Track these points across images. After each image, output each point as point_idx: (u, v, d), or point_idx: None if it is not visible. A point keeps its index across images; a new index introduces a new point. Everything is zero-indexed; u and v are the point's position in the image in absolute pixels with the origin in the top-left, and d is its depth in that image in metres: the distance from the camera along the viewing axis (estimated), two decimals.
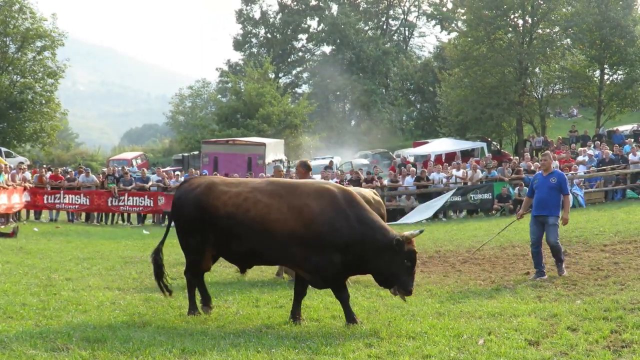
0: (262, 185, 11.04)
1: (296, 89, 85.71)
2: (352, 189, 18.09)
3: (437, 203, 32.38)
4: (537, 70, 54.99)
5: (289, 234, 10.55)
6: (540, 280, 14.53)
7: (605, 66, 52.56)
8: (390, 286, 10.78)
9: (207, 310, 11.69)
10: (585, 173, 33.49)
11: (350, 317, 10.82)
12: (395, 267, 10.58)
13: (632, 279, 13.91)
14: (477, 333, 10.01)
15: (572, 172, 33.24)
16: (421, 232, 11.07)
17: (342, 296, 10.92)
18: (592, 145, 39.00)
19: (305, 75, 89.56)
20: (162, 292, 11.90)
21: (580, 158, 35.75)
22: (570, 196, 28.80)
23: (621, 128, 49.98)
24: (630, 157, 33.36)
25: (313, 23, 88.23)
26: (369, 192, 17.01)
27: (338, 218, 10.58)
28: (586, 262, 16.41)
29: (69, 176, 36.38)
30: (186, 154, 57.09)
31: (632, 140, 40.86)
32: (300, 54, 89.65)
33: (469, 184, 33.40)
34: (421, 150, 50.56)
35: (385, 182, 34.93)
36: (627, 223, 22.48)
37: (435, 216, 32.17)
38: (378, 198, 17.11)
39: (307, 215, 10.56)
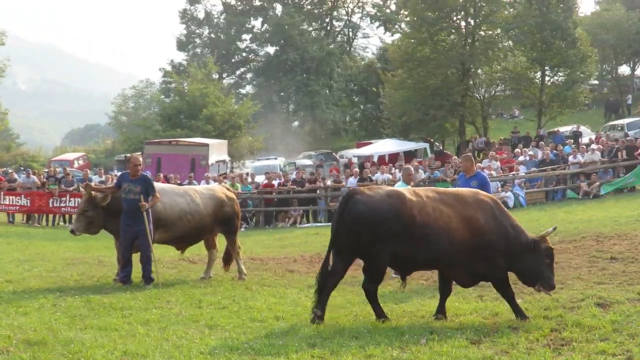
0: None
1: (240, 89, 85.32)
2: (201, 187, 18.17)
3: None
4: (479, 71, 55.46)
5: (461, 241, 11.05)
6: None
7: (546, 68, 53.23)
8: (534, 283, 11.31)
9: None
10: (526, 173, 33.82)
11: (520, 314, 11.07)
12: (537, 265, 11.21)
13: (572, 278, 14.19)
14: (420, 332, 10.09)
15: (513, 172, 33.62)
16: (554, 229, 11.89)
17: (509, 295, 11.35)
18: (534, 146, 39.42)
19: (249, 75, 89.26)
20: None
21: (521, 158, 36.13)
22: (510, 195, 29.07)
23: (562, 129, 50.56)
24: (570, 158, 33.80)
25: (257, 23, 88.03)
26: (220, 189, 17.03)
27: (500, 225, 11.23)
28: None
29: (9, 177, 35.83)
30: (129, 155, 56.43)
31: (572, 141, 41.44)
32: (244, 54, 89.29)
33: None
34: (365, 150, 50.68)
35: (329, 182, 34.94)
36: (567, 223, 22.79)
37: None
38: (232, 195, 17.10)
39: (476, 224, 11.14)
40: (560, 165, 33.90)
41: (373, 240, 10.78)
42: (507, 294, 11.24)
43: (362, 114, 79.48)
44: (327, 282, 11.04)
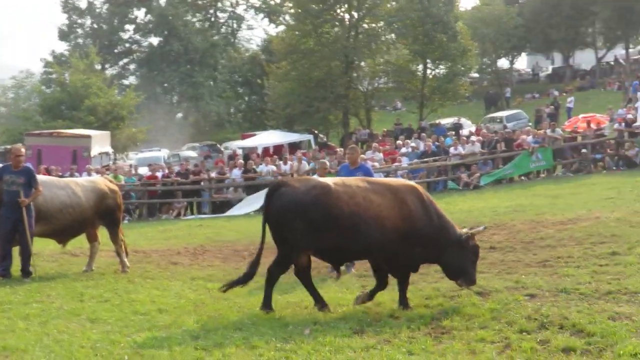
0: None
1: (123, 80, 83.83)
2: (82, 179, 17.92)
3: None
4: (362, 64, 55.92)
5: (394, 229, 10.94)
6: (356, 272, 14.77)
7: (428, 61, 54.13)
8: (457, 278, 11.37)
9: None
10: (408, 165, 34.13)
11: (404, 303, 11.13)
12: (463, 260, 11.29)
13: None
14: (304, 323, 10.13)
15: (396, 163, 33.88)
16: (484, 228, 12.05)
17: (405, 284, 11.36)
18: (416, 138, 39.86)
19: (132, 66, 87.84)
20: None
21: (403, 150, 36.38)
22: None
23: (443, 121, 51.52)
24: (451, 149, 34.29)
25: (140, 14, 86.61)
26: (102, 181, 16.90)
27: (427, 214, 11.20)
28: None
29: None
30: (9, 147, 54.92)
31: (453, 132, 42.14)
32: (127, 45, 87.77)
33: (296, 175, 33.56)
34: (249, 142, 50.47)
35: (213, 174, 34.69)
36: (448, 213, 22.25)
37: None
38: (114, 187, 16.97)
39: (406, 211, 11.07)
40: (441, 157, 34.32)
41: (295, 232, 10.73)
42: (405, 284, 11.30)
43: (247, 106, 79.07)
44: (273, 273, 11.12)
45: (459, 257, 11.31)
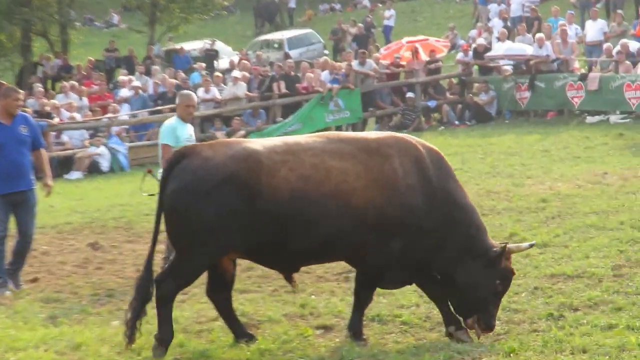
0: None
1: None
2: None
3: None
4: None
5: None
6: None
7: None
8: (469, 314, 10.30)
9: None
10: (130, 117, 32.53)
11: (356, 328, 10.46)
12: (486, 287, 10.25)
13: (200, 283, 13.24)
14: None
15: (109, 115, 31.79)
16: (531, 245, 11.18)
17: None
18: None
19: None
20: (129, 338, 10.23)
21: (124, 93, 34.23)
22: (105, 152, 27.58)
23: (187, 46, 48.63)
24: (200, 91, 32.03)
25: None
26: None
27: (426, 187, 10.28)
28: (129, 259, 16.02)
29: None
30: None
31: (204, 65, 39.87)
32: None
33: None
34: None
35: None
36: None
37: None
38: None
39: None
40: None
41: (199, 227, 9.87)
42: (366, 300, 10.58)
43: None
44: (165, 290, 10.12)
45: (479, 280, 10.24)
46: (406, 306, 11.28)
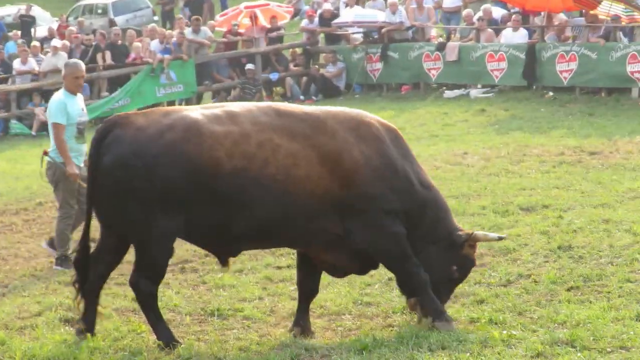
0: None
1: None
2: None
3: None
4: None
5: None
6: None
7: None
8: (414, 295, 10.47)
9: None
10: None
11: (438, 314, 10.35)
12: (442, 270, 10.50)
13: (21, 275, 13.83)
14: None
15: None
16: (501, 238, 11.54)
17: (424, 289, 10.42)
18: None
19: None
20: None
21: None
22: None
23: (1, 11, 48.98)
24: (17, 64, 32.24)
25: None
26: None
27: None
28: None
29: None
30: None
31: (19, 33, 39.40)
32: None
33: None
34: None
35: None
36: (11, 179, 22.82)
37: None
38: None
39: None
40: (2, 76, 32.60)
41: (141, 207, 9.82)
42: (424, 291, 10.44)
43: None
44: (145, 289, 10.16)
45: (436, 263, 10.51)
46: (249, 299, 11.39)
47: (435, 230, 10.53)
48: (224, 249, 10.62)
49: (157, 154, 9.71)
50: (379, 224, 10.30)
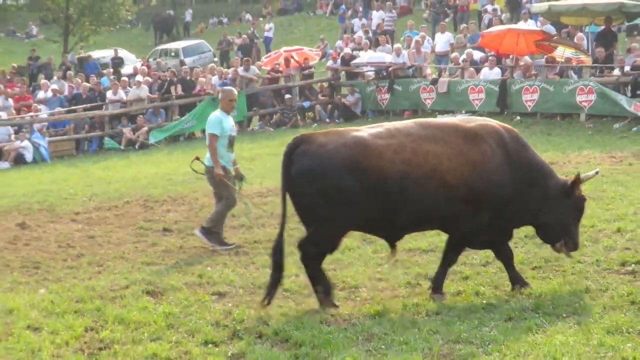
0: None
1: None
2: None
3: None
4: None
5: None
6: None
7: None
8: (557, 240, 10.82)
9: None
10: (49, 115, 31.90)
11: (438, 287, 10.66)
12: (566, 215, 10.72)
13: (113, 257, 13.65)
14: None
15: (32, 113, 31.48)
16: (596, 172, 11.38)
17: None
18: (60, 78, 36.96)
19: None
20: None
21: (42, 94, 33.69)
22: (29, 146, 27.28)
23: (96, 54, 47.97)
24: (109, 93, 32.25)
25: None
26: None
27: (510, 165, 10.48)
28: (52, 236, 15.67)
29: None
30: None
31: (111, 70, 39.56)
32: None
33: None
34: None
35: None
36: (104, 183, 22.08)
37: None
38: None
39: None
40: (95, 104, 32.29)
41: (324, 205, 10.05)
42: (450, 261, 10.88)
43: None
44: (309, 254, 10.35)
45: (562, 212, 10.73)
46: (288, 276, 11.15)
47: (547, 194, 10.61)
48: (390, 236, 10.77)
49: (336, 164, 9.90)
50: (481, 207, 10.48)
